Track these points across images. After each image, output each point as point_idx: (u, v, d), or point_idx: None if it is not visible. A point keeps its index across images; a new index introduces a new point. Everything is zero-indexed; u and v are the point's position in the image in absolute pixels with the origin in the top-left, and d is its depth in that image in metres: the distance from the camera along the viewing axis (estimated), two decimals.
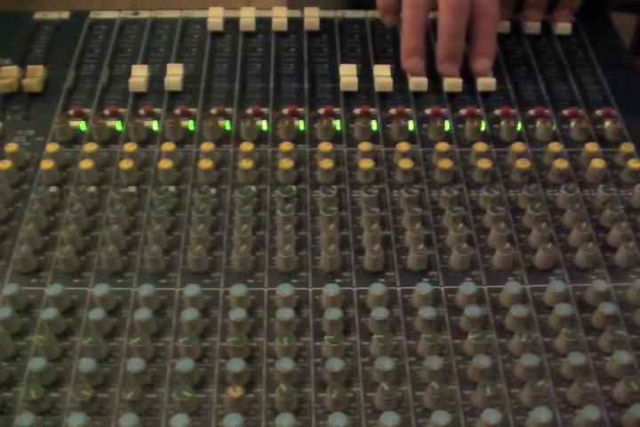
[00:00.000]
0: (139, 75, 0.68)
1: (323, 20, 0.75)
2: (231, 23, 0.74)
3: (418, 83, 0.67)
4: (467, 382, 0.48)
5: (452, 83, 0.68)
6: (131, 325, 0.51)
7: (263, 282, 0.54)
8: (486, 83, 0.68)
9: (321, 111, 0.66)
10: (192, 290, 0.51)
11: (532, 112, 0.66)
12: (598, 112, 0.66)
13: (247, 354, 0.49)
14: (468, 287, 0.52)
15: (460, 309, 0.52)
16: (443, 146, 0.61)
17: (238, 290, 0.51)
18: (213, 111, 0.65)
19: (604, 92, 0.68)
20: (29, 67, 0.68)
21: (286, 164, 0.60)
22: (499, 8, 0.67)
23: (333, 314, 0.50)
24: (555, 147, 0.62)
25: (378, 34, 0.74)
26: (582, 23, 0.76)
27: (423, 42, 0.67)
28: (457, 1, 0.65)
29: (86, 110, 0.65)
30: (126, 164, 0.59)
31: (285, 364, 0.47)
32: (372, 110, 0.66)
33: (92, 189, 0.59)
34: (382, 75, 0.68)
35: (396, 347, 0.50)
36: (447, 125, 0.65)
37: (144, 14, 0.76)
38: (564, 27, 0.74)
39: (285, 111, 0.65)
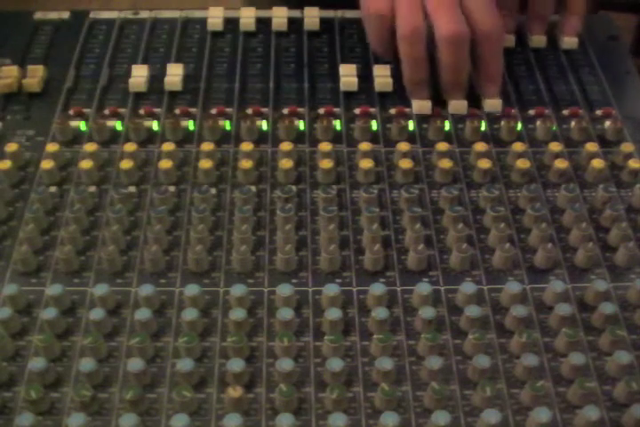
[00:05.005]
0: (139, 75, 0.68)
1: (323, 20, 0.75)
2: (231, 23, 0.74)
3: (422, 106, 0.66)
4: (467, 382, 0.48)
5: (458, 105, 0.66)
6: (131, 325, 0.51)
7: (263, 282, 0.54)
8: (493, 104, 0.66)
9: (321, 111, 0.66)
10: (192, 290, 0.51)
11: (532, 112, 0.66)
12: (598, 112, 0.66)
13: (247, 354, 0.49)
14: (467, 287, 0.52)
15: (460, 309, 0.51)
16: (443, 146, 0.61)
17: (238, 290, 0.51)
18: (213, 111, 0.65)
19: (604, 92, 0.68)
20: (29, 67, 0.68)
21: (286, 164, 0.60)
22: (502, 29, 0.64)
23: (333, 314, 0.50)
24: (555, 147, 0.62)
25: None
26: (582, 23, 0.75)
27: (427, 73, 0.65)
28: (456, 33, 0.61)
29: (86, 110, 0.65)
30: (126, 164, 0.59)
31: (285, 364, 0.47)
32: (372, 110, 0.66)
33: (92, 189, 0.59)
34: (382, 75, 0.68)
35: (396, 347, 0.50)
36: (447, 125, 0.65)
37: (144, 14, 0.76)
38: (570, 41, 0.72)
39: (285, 111, 0.65)
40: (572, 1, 0.71)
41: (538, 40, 0.73)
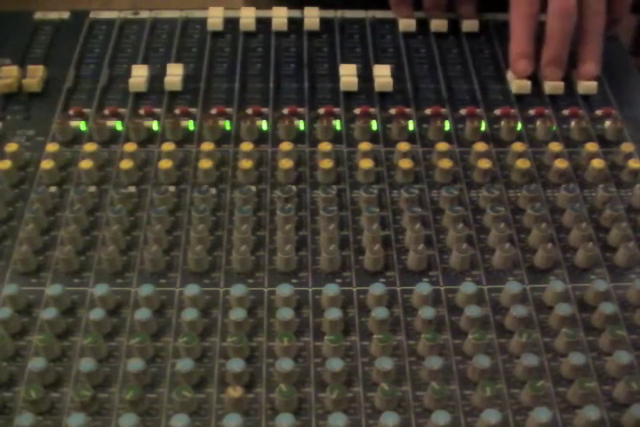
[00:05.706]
0: (139, 75, 0.68)
1: (323, 20, 0.75)
2: (231, 23, 0.74)
3: (555, 86, 0.67)
4: (467, 382, 0.48)
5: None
6: (131, 325, 0.51)
7: (263, 282, 0.54)
8: (589, 86, 0.67)
9: (321, 111, 0.66)
10: (192, 290, 0.51)
11: (531, 112, 0.66)
12: (598, 112, 0.66)
13: (247, 354, 0.49)
14: (467, 287, 0.52)
15: (460, 309, 0.51)
16: (443, 146, 0.61)
17: (238, 290, 0.51)
18: (213, 111, 0.65)
19: (603, 92, 0.68)
20: (29, 67, 0.68)
21: (286, 164, 0.60)
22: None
23: (333, 314, 0.50)
24: (555, 147, 0.62)
25: (378, 34, 0.74)
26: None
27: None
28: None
29: (86, 110, 0.65)
30: (126, 164, 0.59)
31: (285, 364, 0.47)
32: (372, 110, 0.66)
33: (92, 189, 0.59)
34: (382, 75, 0.68)
35: (396, 347, 0.50)
36: (447, 125, 0.65)
37: (144, 14, 0.76)
38: (589, 86, 0.68)
39: (285, 111, 0.65)
40: (586, 46, 0.68)
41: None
